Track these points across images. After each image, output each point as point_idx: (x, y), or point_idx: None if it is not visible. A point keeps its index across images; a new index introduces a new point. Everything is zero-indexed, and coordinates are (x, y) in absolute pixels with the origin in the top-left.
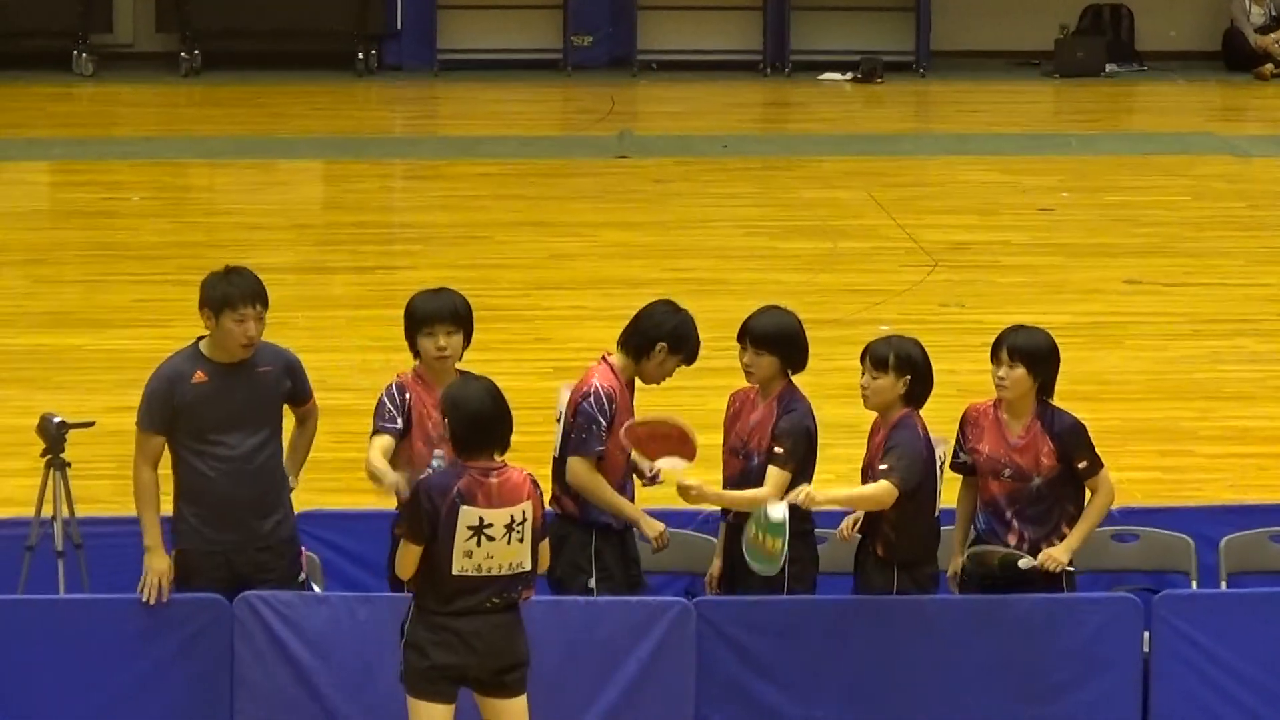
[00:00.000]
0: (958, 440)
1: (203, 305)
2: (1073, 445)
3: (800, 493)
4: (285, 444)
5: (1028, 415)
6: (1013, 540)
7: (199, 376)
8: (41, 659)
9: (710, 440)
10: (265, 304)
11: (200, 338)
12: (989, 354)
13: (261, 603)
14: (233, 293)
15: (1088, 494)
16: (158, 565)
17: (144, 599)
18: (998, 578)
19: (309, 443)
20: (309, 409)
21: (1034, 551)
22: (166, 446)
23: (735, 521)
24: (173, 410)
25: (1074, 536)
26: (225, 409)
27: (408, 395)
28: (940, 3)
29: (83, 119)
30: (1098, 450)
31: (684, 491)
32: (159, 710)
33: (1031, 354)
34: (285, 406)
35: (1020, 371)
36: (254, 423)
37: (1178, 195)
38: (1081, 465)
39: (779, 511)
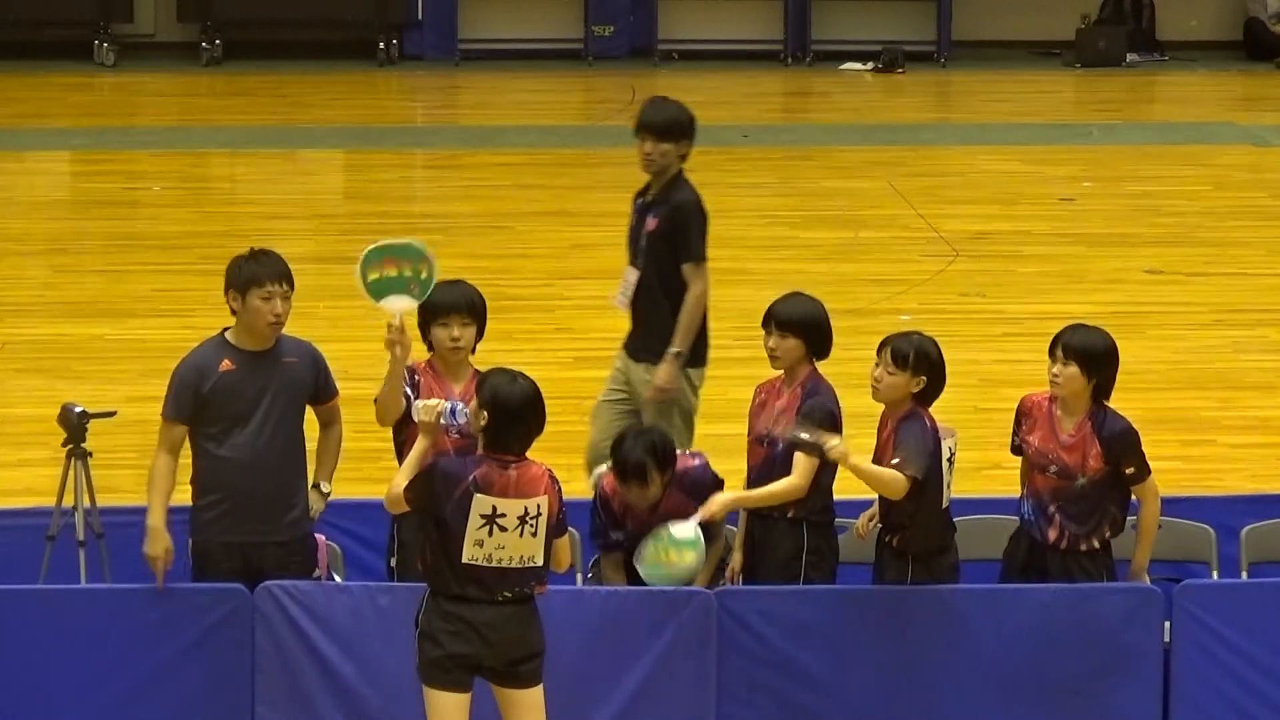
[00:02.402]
0: (1014, 427)
1: (228, 288)
2: (1120, 451)
3: (835, 441)
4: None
5: (1080, 414)
6: (1053, 534)
7: (226, 365)
8: (63, 648)
9: (734, 430)
10: (291, 285)
11: (225, 329)
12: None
13: (282, 592)
14: (259, 271)
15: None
16: (153, 549)
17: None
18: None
19: (337, 446)
20: (332, 409)
21: (1073, 546)
22: (188, 436)
23: (762, 512)
24: (199, 400)
25: (1139, 557)
26: (250, 398)
27: (418, 379)
28: None
29: (104, 109)
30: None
31: (713, 509)
32: (179, 700)
33: (1086, 353)
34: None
35: (1074, 369)
36: (276, 414)
37: (1199, 185)
38: (1128, 471)
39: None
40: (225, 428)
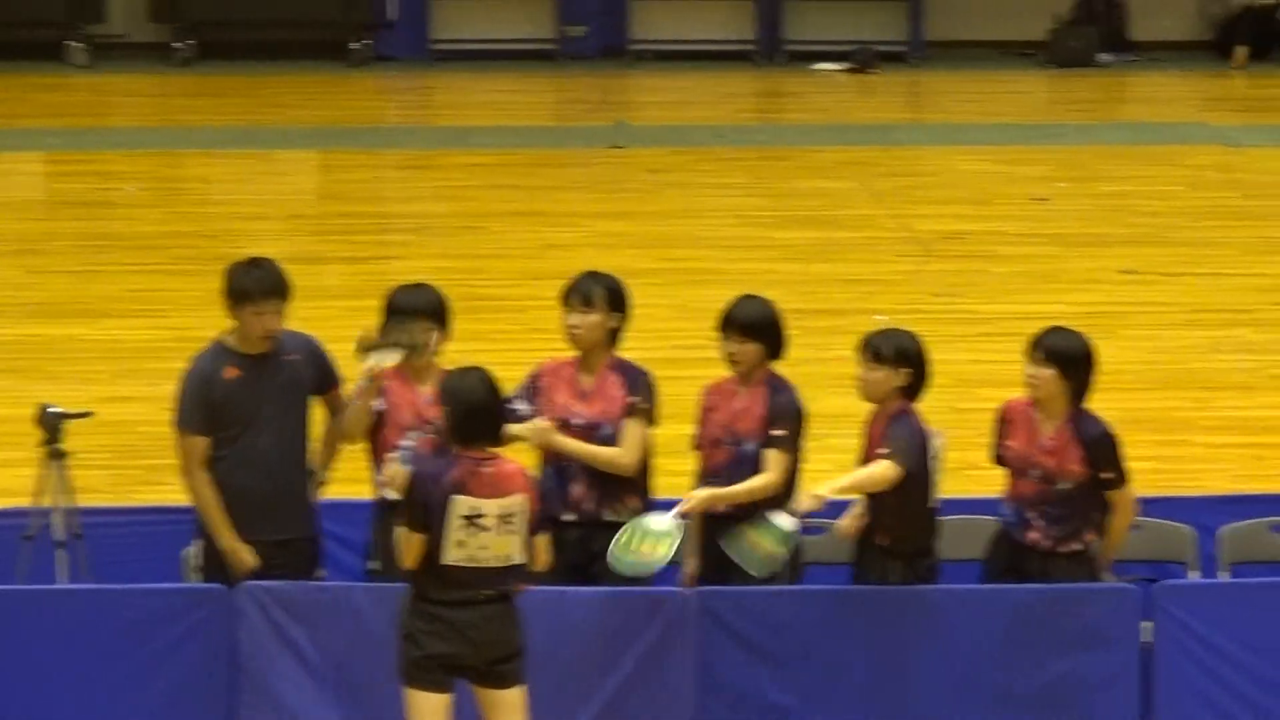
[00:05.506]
0: (996, 435)
1: (225, 295)
2: (1099, 456)
3: (803, 499)
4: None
5: (1060, 418)
6: (1033, 537)
7: (231, 372)
8: (42, 649)
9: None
10: (285, 297)
11: (223, 334)
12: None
13: (263, 592)
14: (252, 288)
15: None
16: (244, 564)
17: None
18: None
19: (339, 436)
20: (337, 398)
21: (1053, 548)
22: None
23: (733, 512)
24: (210, 409)
25: (1101, 558)
26: (258, 401)
27: (384, 381)
28: None
29: (77, 109)
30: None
31: (692, 504)
32: (160, 700)
33: (1063, 355)
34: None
35: (1050, 372)
36: (283, 414)
37: (1172, 185)
38: (1105, 477)
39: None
40: (234, 432)
